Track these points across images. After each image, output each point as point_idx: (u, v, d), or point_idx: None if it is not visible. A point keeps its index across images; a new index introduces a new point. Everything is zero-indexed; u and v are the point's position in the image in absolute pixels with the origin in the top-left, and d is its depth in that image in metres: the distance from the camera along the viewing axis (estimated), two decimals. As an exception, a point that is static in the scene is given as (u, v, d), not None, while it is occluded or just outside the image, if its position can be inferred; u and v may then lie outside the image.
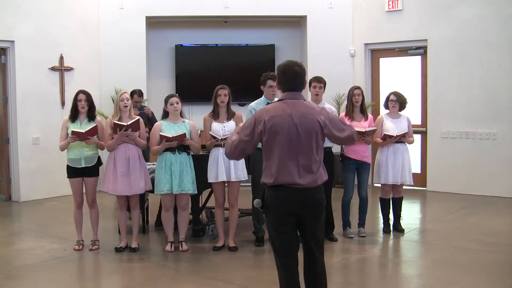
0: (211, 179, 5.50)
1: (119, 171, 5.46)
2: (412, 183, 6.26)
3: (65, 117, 5.68)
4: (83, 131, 5.43)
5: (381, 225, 6.31)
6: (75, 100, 5.59)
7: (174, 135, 5.35)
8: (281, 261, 3.39)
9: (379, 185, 6.32)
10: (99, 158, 5.71)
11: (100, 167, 5.74)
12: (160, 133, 5.40)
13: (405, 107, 6.18)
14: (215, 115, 5.58)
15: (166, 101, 5.57)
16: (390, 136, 6.00)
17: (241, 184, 5.72)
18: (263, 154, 3.38)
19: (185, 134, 5.40)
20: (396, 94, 6.17)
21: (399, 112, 6.17)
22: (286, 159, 3.28)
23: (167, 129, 5.45)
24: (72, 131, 5.43)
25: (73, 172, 5.60)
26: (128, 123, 5.39)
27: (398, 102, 6.12)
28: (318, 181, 3.33)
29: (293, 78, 3.39)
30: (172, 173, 5.41)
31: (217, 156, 5.46)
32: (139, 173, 5.54)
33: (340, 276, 4.87)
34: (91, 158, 5.61)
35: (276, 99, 5.79)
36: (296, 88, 3.41)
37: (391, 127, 6.07)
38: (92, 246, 5.65)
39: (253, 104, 5.75)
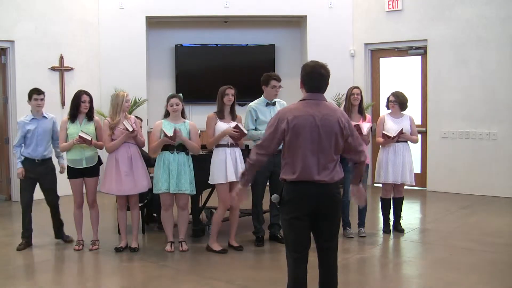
0: (220, 180, 5.40)
1: (123, 171, 5.46)
2: (414, 183, 6.26)
3: (64, 118, 5.67)
4: (90, 138, 5.44)
5: (381, 225, 6.31)
6: (78, 100, 5.58)
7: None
8: (292, 255, 3.52)
9: (380, 185, 6.32)
10: (99, 157, 5.72)
11: (100, 167, 5.75)
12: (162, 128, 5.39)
13: (406, 106, 6.18)
14: (220, 115, 5.52)
15: (167, 100, 5.57)
16: (388, 136, 6.01)
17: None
18: (285, 152, 3.49)
19: (178, 129, 5.38)
20: (395, 94, 6.19)
21: (402, 112, 6.18)
22: (307, 157, 3.40)
23: (167, 129, 5.45)
24: (79, 136, 5.42)
25: (73, 172, 5.60)
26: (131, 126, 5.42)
27: (397, 102, 6.14)
28: (335, 177, 3.47)
29: (319, 80, 3.49)
30: (170, 173, 5.41)
31: (225, 157, 5.41)
32: (142, 171, 5.57)
33: (340, 276, 4.83)
34: (92, 158, 5.62)
35: (276, 99, 5.83)
36: (320, 89, 3.52)
37: (392, 126, 6.09)
38: (92, 246, 5.65)
39: (252, 104, 5.75)
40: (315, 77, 3.48)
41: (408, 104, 6.22)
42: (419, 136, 8.81)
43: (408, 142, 6.18)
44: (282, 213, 3.55)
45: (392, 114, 6.21)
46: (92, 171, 5.65)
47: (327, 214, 3.48)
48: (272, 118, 3.57)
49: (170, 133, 5.35)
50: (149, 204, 6.51)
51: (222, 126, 5.44)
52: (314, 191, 3.42)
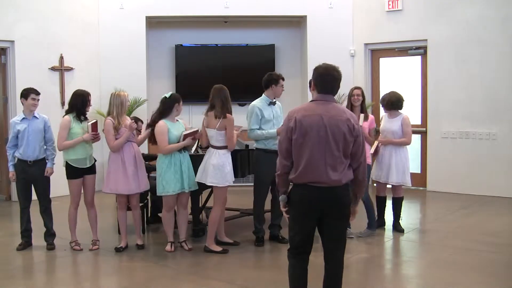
0: (232, 181, 5.45)
1: (130, 170, 5.48)
2: (407, 184, 6.21)
3: (66, 117, 5.58)
4: (96, 120, 5.56)
5: (382, 226, 6.31)
6: (86, 100, 5.59)
7: (189, 132, 5.47)
8: (292, 252, 3.59)
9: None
10: None
11: (96, 165, 5.81)
12: (186, 132, 5.46)
13: (397, 105, 6.15)
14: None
15: (178, 100, 5.53)
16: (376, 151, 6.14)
17: (243, 184, 5.74)
18: (292, 150, 3.49)
19: (198, 130, 5.55)
20: (381, 98, 6.29)
21: (399, 111, 6.19)
22: (314, 158, 3.41)
23: (172, 127, 5.45)
24: (92, 125, 5.44)
25: (75, 172, 5.57)
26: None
27: (383, 105, 6.24)
28: (343, 179, 3.45)
29: (331, 82, 3.53)
30: (182, 172, 5.42)
31: (231, 158, 5.46)
32: (144, 170, 5.64)
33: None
34: (92, 156, 5.69)
35: (272, 99, 5.84)
36: (332, 91, 3.56)
37: (385, 126, 6.19)
38: (93, 246, 5.66)
39: (256, 103, 5.69)
40: (327, 79, 3.52)
41: (399, 102, 6.18)
42: (419, 136, 8.92)
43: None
44: (289, 210, 3.60)
45: (388, 115, 6.25)
46: (92, 169, 5.69)
47: (335, 216, 3.49)
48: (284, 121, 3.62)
49: (179, 132, 5.44)
50: (153, 204, 6.54)
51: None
52: (319, 195, 3.42)
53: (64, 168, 5.62)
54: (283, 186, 3.60)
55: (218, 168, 5.34)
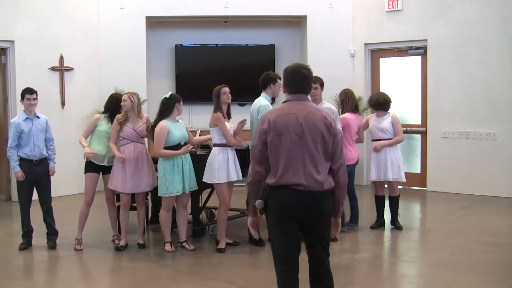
0: (222, 179, 5.42)
1: (129, 171, 5.51)
2: (401, 179, 6.26)
3: (97, 115, 5.79)
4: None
5: (382, 226, 6.32)
6: (119, 102, 5.65)
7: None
8: (279, 266, 3.29)
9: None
10: None
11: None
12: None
13: (381, 107, 6.23)
14: (223, 114, 5.52)
15: (179, 100, 5.56)
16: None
17: (244, 185, 5.73)
18: (268, 154, 3.28)
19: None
20: (369, 97, 6.45)
21: (387, 111, 6.29)
22: (291, 160, 3.21)
23: (174, 128, 5.45)
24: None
25: (92, 166, 5.66)
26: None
27: (370, 104, 6.36)
28: (325, 184, 3.23)
29: (301, 81, 3.35)
30: (184, 173, 5.44)
31: (227, 157, 5.46)
32: (147, 170, 5.63)
33: (340, 276, 4.86)
34: (112, 158, 5.66)
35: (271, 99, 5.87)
36: (303, 91, 3.37)
37: (373, 125, 6.27)
38: (119, 241, 5.69)
39: (269, 104, 5.63)
40: (297, 78, 3.34)
41: (386, 103, 6.26)
42: (419, 136, 8.93)
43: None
44: (267, 219, 3.35)
45: (376, 114, 6.35)
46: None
47: (319, 223, 3.28)
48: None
49: (183, 134, 5.52)
50: (154, 204, 6.54)
51: (228, 125, 5.51)
52: (297, 199, 3.20)
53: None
54: (254, 196, 3.30)
55: (208, 165, 5.46)
